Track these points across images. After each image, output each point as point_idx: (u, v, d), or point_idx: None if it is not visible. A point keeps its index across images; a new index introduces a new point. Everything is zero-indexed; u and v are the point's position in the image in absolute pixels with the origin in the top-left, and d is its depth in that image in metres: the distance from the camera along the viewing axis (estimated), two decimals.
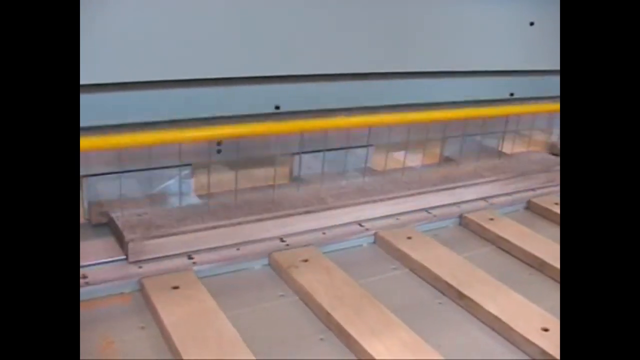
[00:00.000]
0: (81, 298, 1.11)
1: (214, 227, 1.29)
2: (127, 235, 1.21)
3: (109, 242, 1.27)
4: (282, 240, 1.34)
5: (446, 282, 1.23)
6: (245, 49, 1.27)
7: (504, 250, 1.44)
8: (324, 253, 1.32)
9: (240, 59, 1.28)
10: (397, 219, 1.51)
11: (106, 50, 1.13)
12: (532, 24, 1.54)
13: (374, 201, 1.50)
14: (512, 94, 1.77)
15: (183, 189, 1.44)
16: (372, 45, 1.41)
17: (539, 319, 1.11)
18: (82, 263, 1.19)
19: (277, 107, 1.38)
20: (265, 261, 1.30)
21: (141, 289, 1.16)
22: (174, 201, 1.40)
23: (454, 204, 1.62)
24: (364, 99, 1.49)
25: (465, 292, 1.19)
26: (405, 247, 1.36)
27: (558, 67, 1.34)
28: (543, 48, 1.63)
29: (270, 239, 1.34)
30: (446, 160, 1.90)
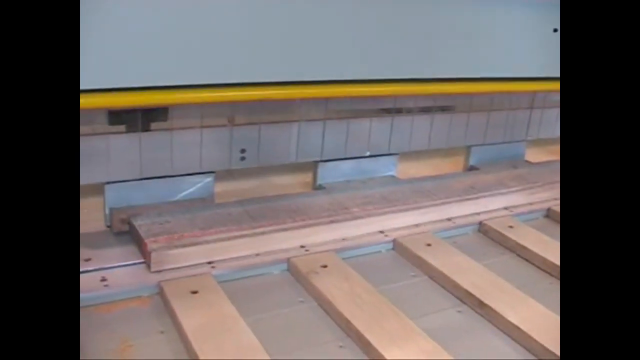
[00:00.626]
0: (100, 301, 1.12)
1: (237, 237, 1.29)
2: (150, 245, 1.22)
3: (131, 249, 1.28)
4: (303, 247, 1.34)
5: (466, 290, 1.22)
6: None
7: (523, 258, 1.43)
8: (343, 259, 1.32)
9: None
10: (417, 226, 1.50)
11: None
12: (555, 30, 1.53)
13: (399, 210, 1.50)
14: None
15: (206, 196, 1.45)
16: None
17: (559, 328, 1.10)
18: (102, 266, 1.20)
19: None
20: (284, 266, 1.30)
21: (160, 292, 1.16)
22: (196, 209, 1.40)
23: (477, 213, 1.61)
24: None
25: (486, 300, 1.18)
26: (424, 254, 1.36)
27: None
28: None
29: (292, 249, 1.33)
30: (471, 169, 1.89)
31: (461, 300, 1.23)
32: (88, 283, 1.15)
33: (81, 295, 1.10)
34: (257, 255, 1.29)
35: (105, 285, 1.15)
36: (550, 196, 1.74)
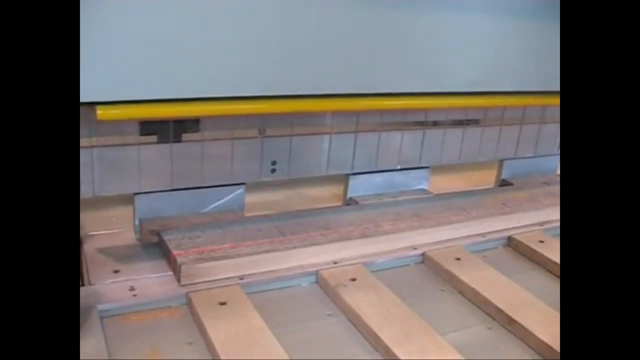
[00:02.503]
0: (129, 310, 1.13)
1: (267, 252, 1.28)
2: (179, 259, 1.22)
3: (160, 263, 1.28)
4: (334, 263, 1.33)
5: (495, 306, 1.21)
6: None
7: (553, 273, 1.41)
8: (372, 272, 1.31)
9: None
10: (447, 241, 1.49)
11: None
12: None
13: (430, 226, 1.49)
14: None
15: (236, 208, 1.45)
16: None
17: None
18: (131, 277, 1.22)
19: None
20: (313, 279, 1.29)
21: (188, 303, 1.16)
22: (226, 221, 1.40)
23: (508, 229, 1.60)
24: None
25: (516, 317, 1.17)
26: (453, 268, 1.35)
27: None
28: None
29: (323, 263, 1.33)
30: (503, 182, 1.88)
31: (491, 316, 1.22)
32: (117, 292, 1.16)
33: (110, 304, 1.12)
34: (287, 268, 1.29)
35: (134, 295, 1.16)
36: None
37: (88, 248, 1.32)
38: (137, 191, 1.34)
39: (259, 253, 1.27)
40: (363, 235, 1.40)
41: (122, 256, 1.29)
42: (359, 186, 1.64)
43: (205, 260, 1.22)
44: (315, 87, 1.21)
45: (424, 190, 1.74)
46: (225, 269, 1.23)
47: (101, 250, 1.31)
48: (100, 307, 1.11)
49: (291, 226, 1.40)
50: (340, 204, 1.66)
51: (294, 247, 1.31)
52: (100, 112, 1.03)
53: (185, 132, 1.33)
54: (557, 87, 1.50)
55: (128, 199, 1.36)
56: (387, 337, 1.07)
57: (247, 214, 1.48)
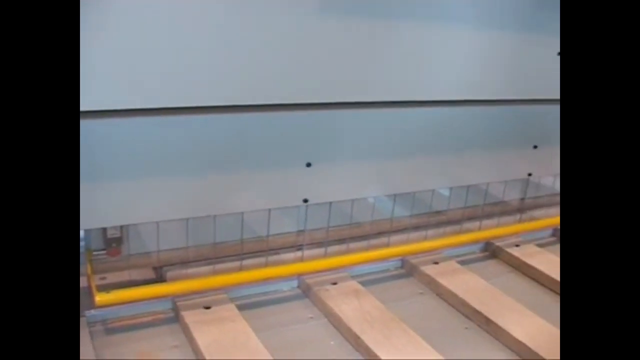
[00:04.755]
0: (115, 315, 1.15)
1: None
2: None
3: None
4: None
5: (473, 308, 1.24)
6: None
7: (529, 276, 1.45)
8: (352, 276, 1.34)
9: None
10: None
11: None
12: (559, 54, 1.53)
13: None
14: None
15: None
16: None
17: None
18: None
19: None
20: (295, 283, 1.32)
21: (174, 307, 1.19)
22: None
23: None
24: None
25: (492, 317, 1.20)
26: (432, 271, 1.38)
27: None
28: None
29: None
30: None
31: (468, 318, 1.25)
32: None
33: (97, 310, 1.13)
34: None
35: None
36: None
37: None
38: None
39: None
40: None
41: None
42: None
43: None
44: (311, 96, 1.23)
45: None
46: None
47: None
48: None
49: None
50: None
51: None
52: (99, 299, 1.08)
53: None
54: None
55: None
56: (368, 338, 1.10)
57: None
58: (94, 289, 1.09)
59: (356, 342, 1.12)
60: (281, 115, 1.20)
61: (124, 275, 1.24)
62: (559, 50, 1.39)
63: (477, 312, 1.23)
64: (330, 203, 1.35)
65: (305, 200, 1.28)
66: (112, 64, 1.00)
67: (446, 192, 1.59)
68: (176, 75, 1.06)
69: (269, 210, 1.28)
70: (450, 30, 1.32)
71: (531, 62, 1.46)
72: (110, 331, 1.12)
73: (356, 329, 1.13)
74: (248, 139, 1.19)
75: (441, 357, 1.06)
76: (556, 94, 1.38)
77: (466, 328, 1.22)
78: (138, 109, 1.06)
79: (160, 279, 1.25)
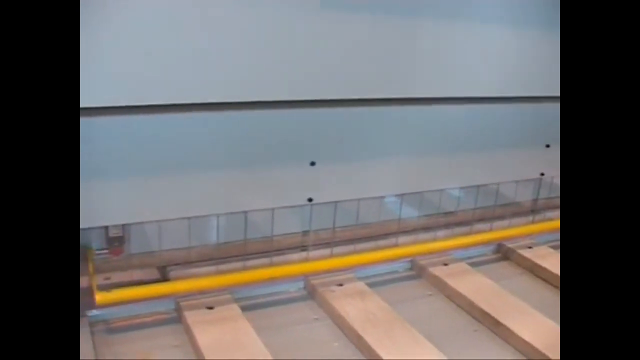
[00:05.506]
0: (117, 315, 1.14)
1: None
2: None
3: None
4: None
5: (482, 310, 1.22)
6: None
7: (542, 278, 1.42)
8: (359, 278, 1.32)
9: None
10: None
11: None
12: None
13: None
14: None
15: None
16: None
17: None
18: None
19: None
20: (301, 284, 1.30)
21: (177, 307, 1.17)
22: None
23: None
24: None
25: (501, 319, 1.18)
26: (441, 273, 1.36)
27: None
28: None
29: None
30: None
31: (477, 320, 1.23)
32: None
33: (98, 310, 1.12)
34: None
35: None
36: None
37: None
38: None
39: None
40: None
41: None
42: None
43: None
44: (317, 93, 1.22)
45: None
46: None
47: None
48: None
49: None
50: None
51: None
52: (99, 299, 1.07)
53: None
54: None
55: None
56: (370, 339, 1.08)
57: None
58: (94, 288, 1.08)
59: (358, 342, 1.10)
60: (285, 113, 1.19)
61: (129, 276, 1.23)
62: None
63: (487, 314, 1.21)
64: (336, 203, 1.33)
65: (310, 200, 1.26)
66: (114, 60, 1.00)
67: (456, 193, 1.56)
68: (179, 71, 1.06)
69: (272, 209, 1.26)
70: (465, 27, 1.31)
71: (545, 59, 1.44)
72: (112, 331, 1.11)
73: (359, 329, 1.11)
74: (251, 137, 1.18)
75: (446, 359, 1.04)
76: None
77: (475, 330, 1.20)
78: (141, 105, 1.05)
79: (164, 279, 1.24)
